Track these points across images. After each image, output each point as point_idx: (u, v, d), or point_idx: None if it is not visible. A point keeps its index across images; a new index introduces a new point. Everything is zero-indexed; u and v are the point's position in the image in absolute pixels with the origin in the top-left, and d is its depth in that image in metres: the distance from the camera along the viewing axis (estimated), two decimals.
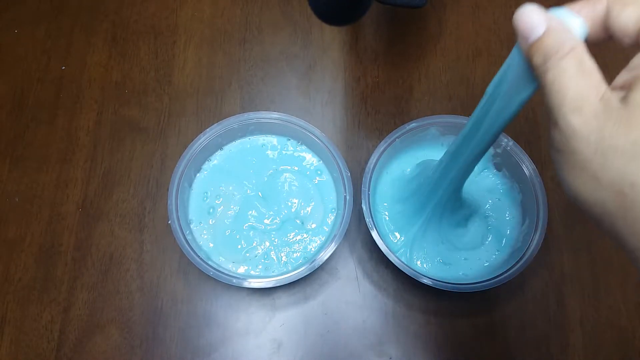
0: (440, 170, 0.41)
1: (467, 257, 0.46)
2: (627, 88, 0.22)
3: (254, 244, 0.46)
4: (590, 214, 0.24)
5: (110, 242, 0.49)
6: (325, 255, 0.42)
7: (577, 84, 0.21)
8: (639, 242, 0.22)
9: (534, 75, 0.23)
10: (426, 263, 0.46)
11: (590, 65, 0.22)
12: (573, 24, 0.24)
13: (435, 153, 0.50)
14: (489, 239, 0.47)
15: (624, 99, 0.21)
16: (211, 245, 0.46)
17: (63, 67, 0.55)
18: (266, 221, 0.47)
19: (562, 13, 0.24)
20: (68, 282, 0.47)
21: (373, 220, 0.43)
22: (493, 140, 0.34)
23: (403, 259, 0.44)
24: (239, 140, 0.50)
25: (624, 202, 0.21)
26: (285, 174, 0.48)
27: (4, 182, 0.51)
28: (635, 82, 0.21)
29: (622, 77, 0.24)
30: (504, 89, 0.28)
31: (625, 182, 0.21)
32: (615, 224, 0.23)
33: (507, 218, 0.48)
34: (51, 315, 0.46)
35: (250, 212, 0.47)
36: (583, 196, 0.23)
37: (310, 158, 0.49)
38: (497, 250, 0.46)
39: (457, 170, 0.39)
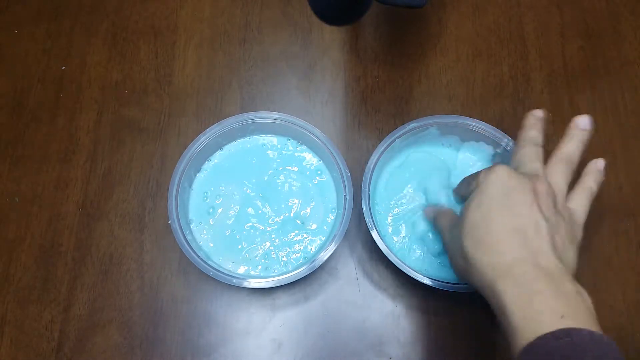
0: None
1: None
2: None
3: (254, 244, 0.46)
4: (467, 281, 0.37)
5: (110, 242, 0.49)
6: (325, 255, 0.42)
7: (445, 220, 0.42)
8: (474, 282, 0.36)
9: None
10: (426, 263, 0.46)
11: (448, 212, 0.44)
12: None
13: (435, 153, 0.50)
14: None
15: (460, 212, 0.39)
16: (211, 245, 0.46)
17: (63, 67, 0.55)
18: (266, 221, 0.47)
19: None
20: (68, 282, 0.47)
21: (373, 220, 0.43)
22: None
23: (403, 259, 0.44)
24: (239, 140, 0.50)
25: (465, 264, 0.36)
26: (285, 174, 0.48)
27: (4, 182, 0.51)
28: (467, 202, 0.38)
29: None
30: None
31: (463, 252, 0.36)
32: (471, 280, 0.36)
33: None
34: (51, 315, 0.46)
35: (251, 212, 0.47)
36: (457, 270, 0.38)
37: (310, 158, 0.49)
38: None
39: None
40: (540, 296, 0.30)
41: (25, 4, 0.58)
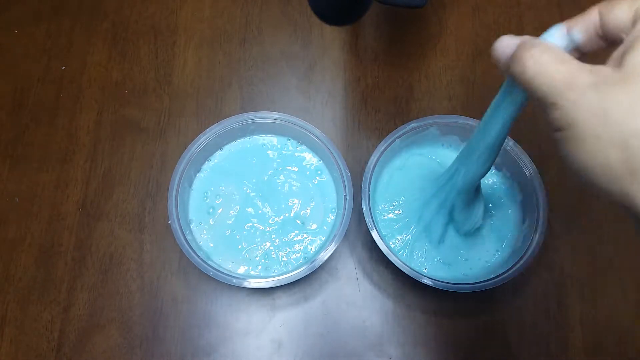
0: (450, 173, 0.42)
1: (467, 258, 0.46)
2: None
3: (254, 244, 0.46)
4: (600, 188, 0.23)
5: (110, 242, 0.49)
6: (325, 255, 0.42)
7: (560, 68, 0.24)
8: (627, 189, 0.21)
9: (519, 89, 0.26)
10: (426, 263, 0.46)
11: (568, 57, 0.24)
12: (554, 36, 0.27)
13: (435, 153, 0.50)
14: (491, 239, 0.47)
15: (619, 64, 0.22)
16: (211, 245, 0.46)
17: (63, 67, 0.55)
18: (266, 221, 0.47)
19: (545, 34, 0.27)
20: (68, 282, 0.47)
21: (373, 220, 0.43)
22: (500, 141, 0.36)
23: (403, 259, 0.44)
24: (239, 140, 0.50)
25: (629, 158, 0.21)
26: (285, 174, 0.48)
27: (4, 182, 0.51)
28: (628, 49, 0.22)
29: (617, 53, 0.25)
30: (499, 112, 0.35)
31: (627, 135, 0.21)
32: (624, 185, 0.21)
33: (508, 218, 0.48)
34: (51, 315, 0.46)
35: (251, 212, 0.47)
36: (589, 164, 0.23)
37: (310, 158, 0.49)
38: (498, 251, 0.46)
39: (469, 171, 0.40)
40: None
41: (25, 4, 0.58)
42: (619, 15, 0.25)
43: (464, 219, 0.46)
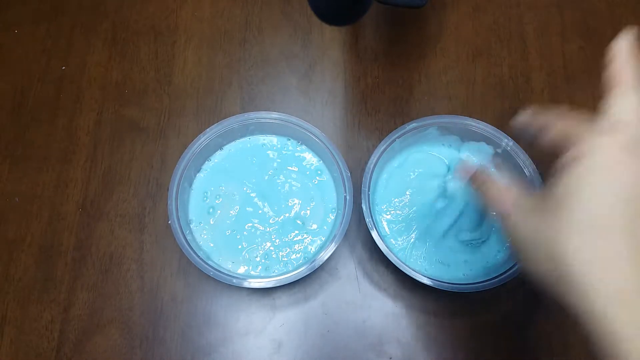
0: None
1: (467, 258, 0.46)
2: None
3: (254, 244, 0.46)
4: (547, 289, 0.28)
5: (110, 242, 0.49)
6: (325, 255, 0.42)
7: (505, 198, 0.31)
8: (576, 300, 0.26)
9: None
10: (426, 263, 0.46)
11: (510, 188, 0.31)
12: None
13: (435, 153, 0.50)
14: (491, 240, 0.47)
15: (548, 191, 0.27)
16: (211, 245, 0.46)
17: (63, 67, 0.55)
18: (266, 221, 0.47)
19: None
20: (68, 282, 0.47)
21: (373, 220, 0.43)
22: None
23: (403, 259, 0.44)
24: (239, 140, 0.50)
25: (559, 274, 0.26)
26: (285, 174, 0.48)
27: (4, 182, 0.51)
28: (557, 176, 0.27)
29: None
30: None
31: (554, 253, 0.26)
32: (555, 289, 0.27)
33: None
34: (51, 315, 0.46)
35: (251, 212, 0.47)
36: (530, 270, 0.29)
37: (310, 158, 0.49)
38: (498, 251, 0.46)
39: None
40: None
41: (25, 4, 0.58)
42: (555, 137, 0.29)
43: (469, 235, 0.46)
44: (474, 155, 0.50)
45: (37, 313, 0.46)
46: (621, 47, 0.28)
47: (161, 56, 0.56)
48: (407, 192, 0.48)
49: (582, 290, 0.25)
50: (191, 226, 0.46)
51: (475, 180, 0.35)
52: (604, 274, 0.24)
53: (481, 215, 0.47)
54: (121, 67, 0.55)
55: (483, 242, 0.46)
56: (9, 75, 0.55)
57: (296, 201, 0.47)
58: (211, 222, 0.47)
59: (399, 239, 0.47)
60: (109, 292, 0.47)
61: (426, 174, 0.49)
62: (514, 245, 0.29)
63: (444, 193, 0.47)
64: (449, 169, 0.49)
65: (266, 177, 0.48)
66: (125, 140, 0.52)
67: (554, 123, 0.29)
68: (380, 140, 0.46)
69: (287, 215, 0.47)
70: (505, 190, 0.31)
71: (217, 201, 0.47)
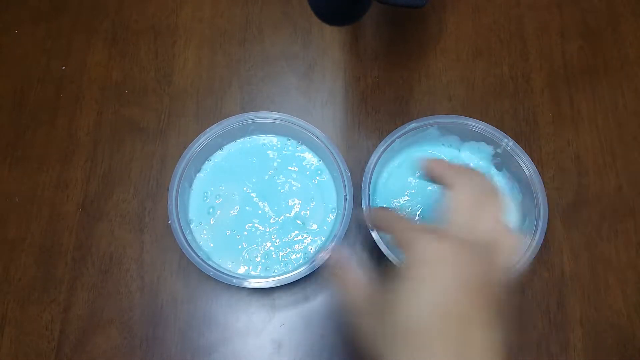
0: None
1: None
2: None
3: (254, 244, 0.46)
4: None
5: (110, 242, 0.49)
6: (325, 255, 0.42)
7: (354, 295, 0.31)
8: None
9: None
10: None
11: (358, 279, 0.32)
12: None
13: (435, 153, 0.50)
14: None
15: (386, 294, 0.28)
16: (211, 245, 0.46)
17: (63, 67, 0.55)
18: (266, 221, 0.47)
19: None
20: (68, 282, 0.47)
21: None
22: None
23: (403, 259, 0.44)
24: (239, 140, 0.50)
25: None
26: (285, 174, 0.48)
27: (4, 182, 0.51)
28: (395, 281, 0.28)
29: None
30: None
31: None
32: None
33: (508, 218, 0.48)
34: (51, 315, 0.46)
35: (251, 212, 0.47)
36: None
37: (310, 158, 0.49)
38: None
39: None
40: None
41: (25, 4, 0.58)
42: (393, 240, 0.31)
43: None
44: (474, 155, 0.50)
45: (37, 313, 0.46)
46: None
47: (161, 56, 0.56)
48: (407, 192, 0.48)
49: None
50: (191, 226, 0.46)
51: (333, 265, 0.36)
52: None
53: None
54: (121, 67, 0.55)
55: None
56: (9, 75, 0.55)
57: (296, 201, 0.47)
58: (211, 222, 0.47)
59: None
60: (109, 292, 0.47)
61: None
62: (359, 332, 0.30)
63: (444, 193, 0.47)
64: None
65: (266, 177, 0.48)
66: (125, 140, 0.52)
67: (392, 226, 0.32)
68: (380, 140, 0.46)
69: (287, 215, 0.47)
70: (354, 282, 0.32)
71: (217, 201, 0.47)
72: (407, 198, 0.48)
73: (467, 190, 0.31)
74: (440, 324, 0.25)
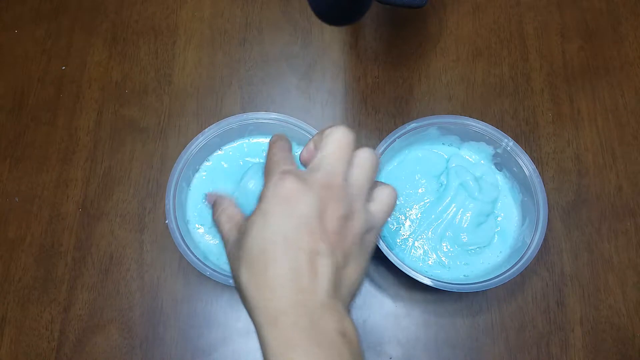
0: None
1: (468, 260, 0.46)
2: None
3: None
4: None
5: (111, 242, 0.49)
6: None
7: (226, 228, 0.35)
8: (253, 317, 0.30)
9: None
10: (426, 263, 0.46)
11: (233, 214, 0.35)
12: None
13: (435, 153, 0.50)
14: (495, 240, 0.47)
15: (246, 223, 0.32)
16: (209, 245, 0.46)
17: (63, 67, 0.55)
18: None
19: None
20: (68, 282, 0.47)
21: None
22: None
23: (403, 259, 0.44)
24: (237, 141, 0.49)
25: (242, 295, 0.31)
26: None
27: (4, 182, 0.51)
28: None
29: None
30: None
31: (238, 284, 0.31)
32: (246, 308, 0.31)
33: (508, 218, 0.48)
34: (51, 315, 0.46)
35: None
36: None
37: None
38: (500, 252, 0.46)
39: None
40: (296, 352, 0.28)
41: (25, 4, 0.58)
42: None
43: (470, 239, 0.46)
44: (474, 155, 0.50)
45: (37, 313, 0.46)
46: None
47: (161, 56, 0.56)
48: (408, 192, 0.48)
49: (254, 311, 0.29)
50: (189, 226, 0.46)
51: (209, 200, 0.39)
52: (266, 301, 0.29)
53: (482, 215, 0.47)
54: (121, 67, 0.55)
55: (485, 246, 0.46)
56: (9, 75, 0.55)
57: None
58: (210, 222, 0.46)
59: (399, 239, 0.47)
60: (109, 292, 0.47)
61: (426, 174, 0.49)
62: (229, 260, 0.33)
63: (444, 193, 0.47)
64: (447, 168, 0.49)
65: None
66: (125, 140, 0.52)
67: (270, 149, 0.36)
68: (380, 140, 0.46)
69: None
70: (227, 211, 0.36)
71: None
72: (407, 198, 0.48)
73: (336, 146, 0.32)
74: (280, 252, 0.29)
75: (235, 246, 0.32)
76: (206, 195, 0.44)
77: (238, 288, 0.31)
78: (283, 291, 0.28)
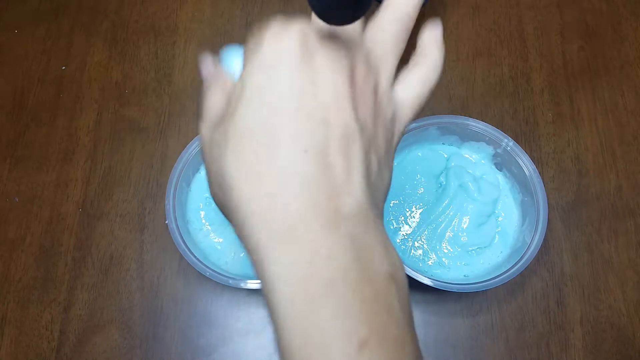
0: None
1: (468, 261, 0.46)
2: None
3: None
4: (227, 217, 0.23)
5: (111, 242, 0.49)
6: None
7: (212, 101, 0.24)
8: (234, 226, 0.21)
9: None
10: (426, 263, 0.46)
11: (225, 81, 0.25)
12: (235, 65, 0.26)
13: (435, 152, 0.50)
14: (496, 240, 0.47)
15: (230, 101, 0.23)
16: (209, 245, 0.46)
17: (63, 67, 0.55)
18: None
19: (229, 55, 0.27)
20: (68, 282, 0.47)
21: None
22: None
23: (403, 259, 0.44)
24: None
25: (227, 201, 0.21)
26: None
27: (4, 182, 0.51)
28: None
29: None
30: None
31: (221, 182, 0.21)
32: (234, 222, 0.21)
33: (508, 218, 0.48)
34: (51, 315, 0.46)
35: None
36: (215, 199, 0.24)
37: None
38: (501, 252, 0.46)
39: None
40: (329, 305, 0.18)
41: (25, 4, 0.58)
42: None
43: (471, 239, 0.46)
44: (474, 155, 0.50)
45: (37, 313, 0.46)
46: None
47: (161, 56, 0.56)
48: (407, 192, 0.48)
49: (249, 221, 0.19)
50: (189, 226, 0.46)
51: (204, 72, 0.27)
52: (270, 201, 0.19)
53: (482, 215, 0.47)
54: (121, 67, 0.55)
55: (485, 247, 0.46)
56: (9, 75, 0.55)
57: None
58: (209, 222, 0.46)
59: (399, 239, 0.47)
60: (109, 292, 0.47)
61: (426, 173, 0.49)
62: (203, 157, 0.24)
63: (442, 194, 0.47)
64: (447, 168, 0.49)
65: None
66: (125, 140, 0.52)
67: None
68: None
69: None
70: (218, 86, 0.25)
71: None
72: (407, 198, 0.48)
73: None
74: (295, 124, 0.20)
75: (218, 123, 0.22)
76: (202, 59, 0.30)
77: (219, 189, 0.21)
78: (300, 184, 0.19)
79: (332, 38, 0.23)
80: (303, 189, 0.18)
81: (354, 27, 0.24)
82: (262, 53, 0.22)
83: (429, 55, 0.28)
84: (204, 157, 0.23)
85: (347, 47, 0.22)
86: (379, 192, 0.21)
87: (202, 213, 0.47)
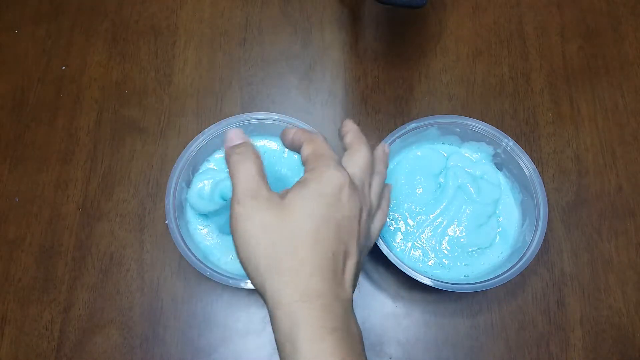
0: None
1: (468, 262, 0.46)
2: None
3: None
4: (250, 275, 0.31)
5: (111, 242, 0.49)
6: None
7: (247, 181, 0.32)
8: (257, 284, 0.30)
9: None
10: (426, 263, 0.46)
11: (259, 171, 0.32)
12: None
13: (435, 153, 0.50)
14: (497, 240, 0.47)
15: (283, 196, 0.31)
16: (209, 245, 0.46)
17: (63, 67, 0.55)
18: None
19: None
20: (68, 282, 0.47)
21: None
22: None
23: (403, 259, 0.44)
24: None
25: (270, 257, 0.30)
26: (285, 175, 0.48)
27: (4, 182, 0.51)
28: (292, 187, 0.31)
29: None
30: None
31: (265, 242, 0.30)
32: (262, 278, 0.30)
33: (508, 218, 0.48)
34: (51, 315, 0.46)
35: None
36: (245, 266, 0.31)
37: None
38: (501, 252, 0.46)
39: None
40: (333, 336, 0.28)
41: (25, 4, 0.58)
42: (302, 153, 0.34)
43: (471, 240, 0.46)
44: (474, 155, 0.50)
45: (37, 313, 0.46)
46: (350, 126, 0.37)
47: (161, 56, 0.56)
48: (407, 193, 0.48)
49: (282, 284, 0.29)
50: (189, 226, 0.46)
51: (230, 152, 0.34)
52: (300, 278, 0.29)
53: (482, 216, 0.47)
54: (121, 67, 0.55)
55: (486, 248, 0.46)
56: (9, 75, 0.55)
57: None
58: (209, 222, 0.46)
59: (399, 239, 0.47)
60: (109, 292, 0.47)
61: (426, 173, 0.49)
62: (234, 233, 0.31)
63: (441, 195, 0.47)
64: (446, 168, 0.49)
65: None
66: (125, 140, 0.52)
67: (307, 141, 0.34)
68: (380, 140, 0.46)
69: None
70: (251, 176, 0.32)
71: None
72: (407, 198, 0.48)
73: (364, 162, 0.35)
74: (322, 238, 0.29)
75: (268, 213, 0.30)
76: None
77: (251, 258, 0.30)
78: (321, 274, 0.29)
79: (355, 190, 0.32)
80: (322, 278, 0.29)
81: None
82: (319, 188, 0.31)
83: (381, 168, 0.38)
84: (244, 225, 0.31)
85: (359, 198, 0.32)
86: (354, 279, 0.32)
87: (202, 213, 0.47)
